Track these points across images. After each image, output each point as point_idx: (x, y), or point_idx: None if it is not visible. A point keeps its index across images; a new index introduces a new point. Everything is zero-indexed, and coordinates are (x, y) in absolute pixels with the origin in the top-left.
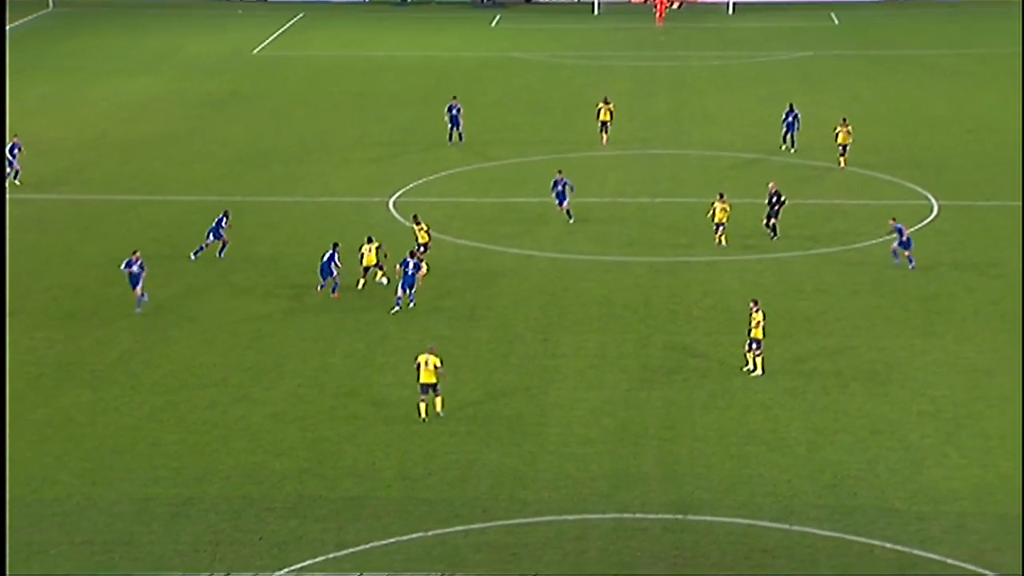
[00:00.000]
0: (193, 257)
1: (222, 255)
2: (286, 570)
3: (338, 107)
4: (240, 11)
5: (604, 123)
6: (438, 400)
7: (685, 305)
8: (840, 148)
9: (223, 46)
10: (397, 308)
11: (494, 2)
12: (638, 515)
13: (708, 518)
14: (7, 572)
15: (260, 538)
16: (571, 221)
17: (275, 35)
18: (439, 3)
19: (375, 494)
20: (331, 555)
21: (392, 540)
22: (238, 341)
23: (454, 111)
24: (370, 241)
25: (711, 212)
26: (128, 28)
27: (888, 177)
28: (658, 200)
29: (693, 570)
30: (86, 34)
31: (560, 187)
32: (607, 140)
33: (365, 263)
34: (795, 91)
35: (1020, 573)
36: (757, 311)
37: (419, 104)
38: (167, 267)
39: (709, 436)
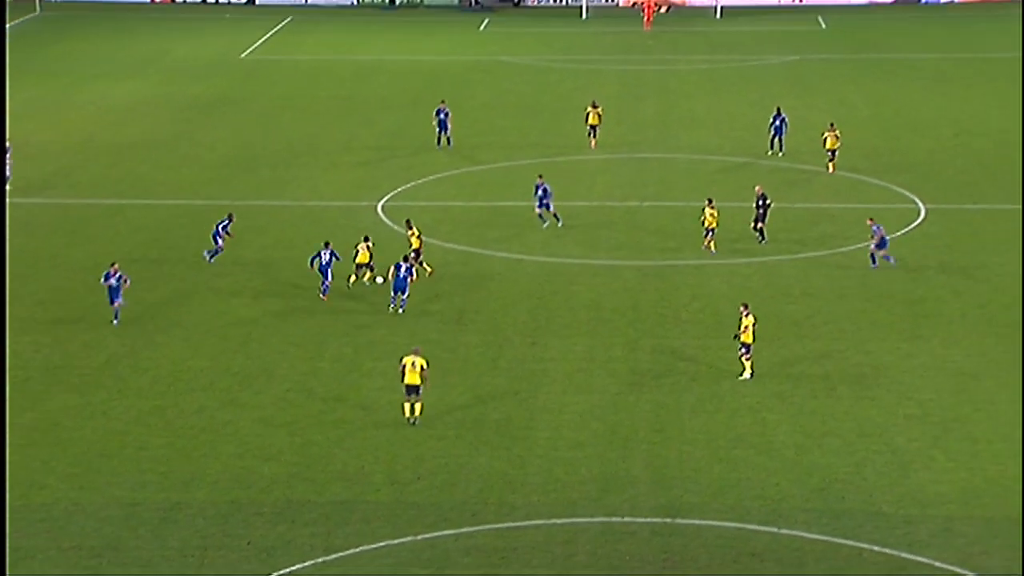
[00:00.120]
0: (210, 260)
1: (211, 259)
2: (275, 575)
3: (326, 111)
4: (228, 15)
5: (593, 127)
6: (417, 406)
7: (673, 309)
8: (828, 153)
9: (211, 50)
10: (392, 306)
11: (482, 6)
12: (627, 519)
13: (697, 522)
14: (7, 572)
15: (248, 543)
16: (560, 224)
17: (263, 39)
18: (427, 7)
19: (364, 498)
20: (320, 560)
21: (381, 544)
22: (226, 345)
23: (442, 115)
24: (366, 240)
25: (703, 217)
26: (115, 32)
27: (875, 181)
28: (646, 204)
29: (682, 573)
30: (73, 38)
31: (540, 192)
32: (595, 144)
33: (359, 260)
34: (783, 95)
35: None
36: (748, 315)
37: (407, 108)
38: (154, 271)
39: (698, 440)
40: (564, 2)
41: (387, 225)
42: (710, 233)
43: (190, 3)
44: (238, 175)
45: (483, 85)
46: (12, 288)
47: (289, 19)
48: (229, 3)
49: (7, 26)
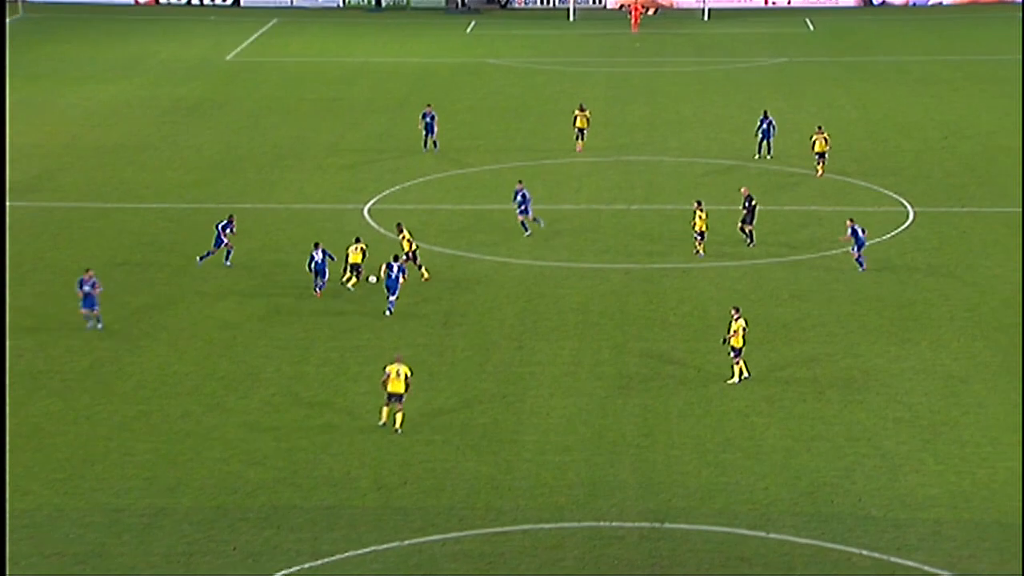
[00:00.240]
0: (228, 264)
1: (201, 262)
2: None
3: (312, 113)
4: (213, 17)
5: (580, 130)
6: (399, 415)
7: (661, 312)
8: (817, 156)
9: (196, 52)
10: (390, 311)
11: (469, 8)
12: (615, 523)
13: (685, 526)
14: (7, 572)
15: (234, 549)
16: (542, 226)
17: (249, 41)
18: (413, 9)
19: (350, 504)
20: (306, 565)
21: (368, 550)
22: (211, 349)
23: (428, 118)
24: (357, 241)
25: (693, 221)
26: (99, 34)
27: (863, 183)
28: (634, 207)
29: None
30: (56, 40)
31: (519, 197)
32: (583, 147)
33: (351, 260)
34: (770, 97)
35: None
36: (738, 319)
37: (394, 110)
38: (139, 275)
39: (686, 444)
40: (551, 4)
41: (374, 228)
42: (700, 236)
43: (175, 5)
44: (223, 178)
45: (470, 87)
46: None
47: (275, 21)
48: (214, 5)
49: (7, 26)
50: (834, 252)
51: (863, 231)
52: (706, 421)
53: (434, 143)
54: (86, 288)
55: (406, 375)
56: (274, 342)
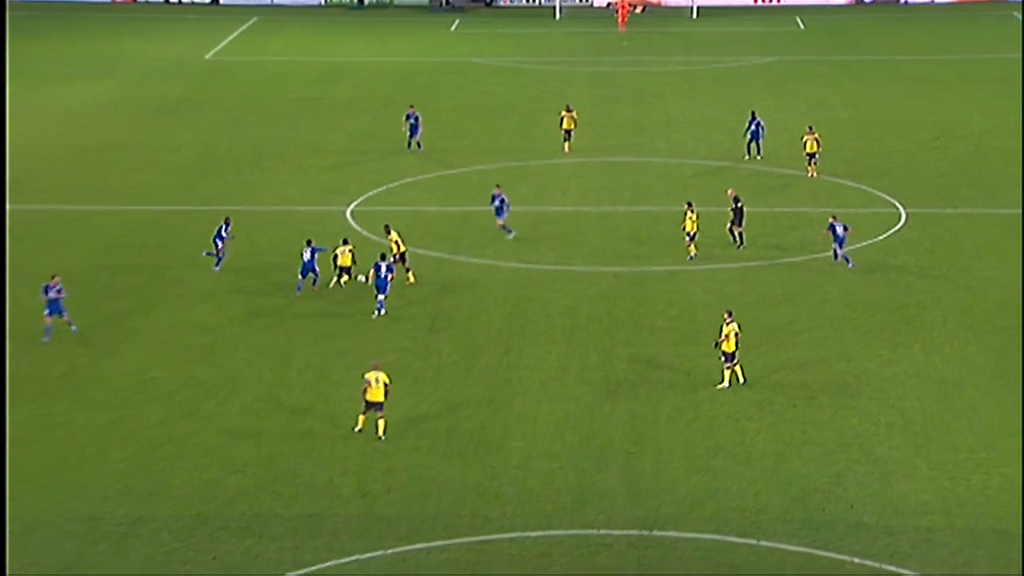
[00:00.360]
0: (217, 268)
1: (208, 258)
2: None
3: (293, 113)
4: (191, 15)
5: (567, 131)
6: (381, 422)
7: (650, 316)
8: (808, 157)
9: (174, 51)
10: (378, 312)
11: (453, 6)
12: (603, 531)
13: (674, 534)
14: (7, 572)
15: (213, 558)
16: (510, 236)
17: (228, 39)
18: (396, 7)
19: (333, 512)
20: (288, 575)
21: (351, 559)
22: (190, 355)
23: (412, 119)
24: (345, 243)
25: (684, 223)
26: (75, 33)
27: (855, 184)
28: (621, 209)
29: None
30: (31, 39)
31: (497, 202)
32: (570, 148)
33: (340, 263)
34: (760, 97)
35: None
36: (730, 323)
37: (377, 110)
38: (116, 279)
39: (675, 450)
40: (537, 2)
41: (356, 231)
42: (690, 238)
43: (152, 3)
44: (203, 179)
45: (454, 87)
46: None
47: (255, 19)
48: (193, 3)
49: (6, 25)
50: (825, 254)
51: (844, 229)
52: (695, 426)
53: (418, 144)
54: (51, 294)
55: (385, 383)
56: (254, 346)
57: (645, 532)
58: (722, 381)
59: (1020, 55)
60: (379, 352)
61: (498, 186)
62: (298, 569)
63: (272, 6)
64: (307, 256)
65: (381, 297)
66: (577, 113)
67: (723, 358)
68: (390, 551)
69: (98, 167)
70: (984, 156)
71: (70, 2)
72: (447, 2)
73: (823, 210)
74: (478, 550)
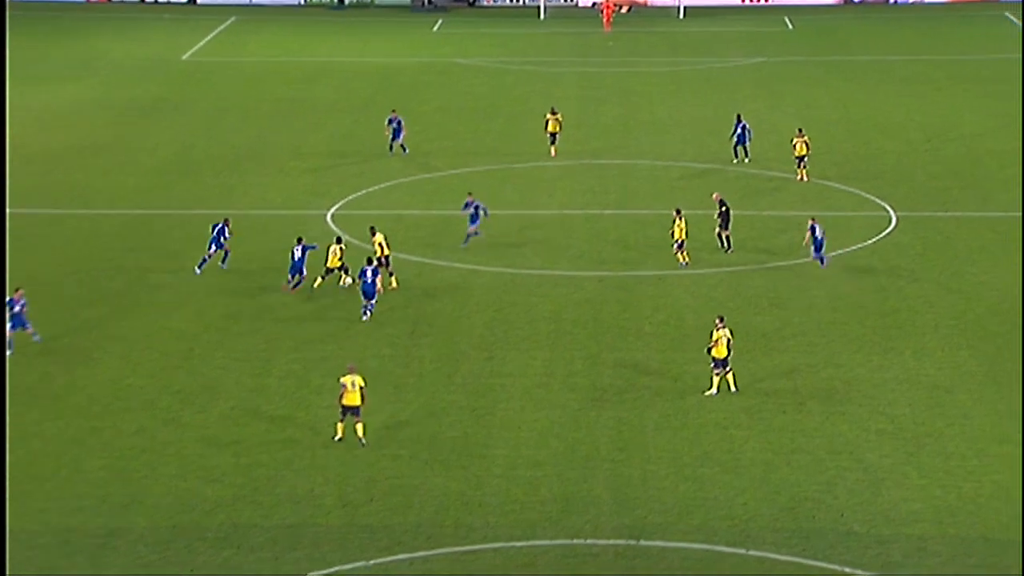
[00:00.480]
0: (198, 270)
1: (225, 264)
2: None
3: (273, 115)
4: (167, 15)
5: (553, 134)
6: (359, 425)
7: (636, 321)
8: (797, 160)
9: (150, 51)
10: (365, 316)
11: (436, 5)
12: (589, 541)
13: (661, 543)
14: (7, 572)
15: (191, 570)
16: (463, 246)
17: (206, 39)
18: (377, 6)
19: (314, 522)
20: None
21: (332, 570)
22: (167, 361)
23: (395, 124)
24: (338, 242)
25: (672, 229)
26: (48, 33)
27: (844, 187)
28: (608, 212)
29: None
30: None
31: (473, 209)
32: (556, 152)
33: (329, 264)
34: (748, 98)
35: None
36: (721, 328)
37: (358, 112)
38: (91, 284)
39: (662, 458)
40: (521, 2)
41: (337, 235)
42: (680, 245)
43: (127, 2)
44: (180, 182)
45: (437, 88)
46: None
47: (232, 19)
48: (169, 2)
49: (6, 26)
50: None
51: (822, 233)
52: (683, 434)
53: (403, 147)
54: (16, 308)
55: (361, 386)
56: (233, 353)
57: (632, 542)
58: (710, 387)
59: (1012, 55)
60: (360, 358)
61: (470, 193)
62: None
63: (250, 6)
64: (298, 254)
65: (372, 302)
66: (562, 115)
67: (713, 364)
68: (372, 562)
69: (72, 170)
70: (976, 158)
71: (43, 1)
72: (429, 2)
73: (812, 213)
74: (461, 561)
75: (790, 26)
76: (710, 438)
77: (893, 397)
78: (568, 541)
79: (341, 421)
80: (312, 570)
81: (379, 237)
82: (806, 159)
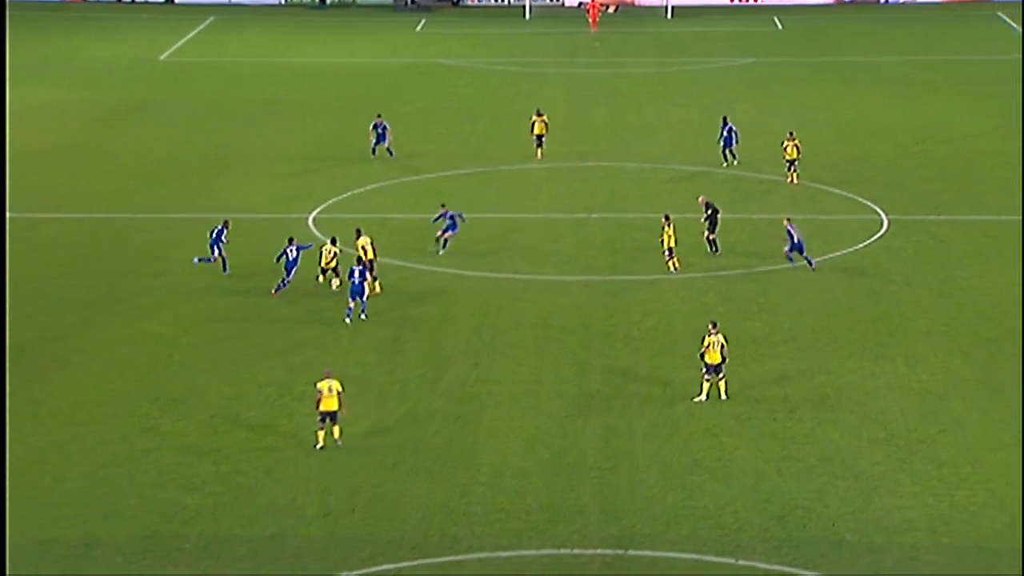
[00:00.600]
0: (226, 272)
1: (226, 271)
2: None
3: (254, 116)
4: (145, 15)
5: (539, 136)
6: (336, 428)
7: (625, 327)
8: (788, 163)
9: (127, 51)
10: (349, 317)
11: (419, 5)
12: (576, 551)
13: (650, 553)
14: (7, 572)
15: None
16: (440, 253)
17: (184, 40)
18: (360, 6)
19: (295, 532)
20: None
21: None
22: (146, 368)
23: (380, 129)
24: (333, 243)
25: (662, 236)
26: (23, 32)
27: (835, 190)
28: (595, 216)
29: None
30: None
31: (449, 219)
32: (542, 154)
33: (323, 264)
34: (738, 99)
35: None
36: (714, 334)
37: (340, 113)
38: (70, 289)
39: (651, 466)
40: (506, 2)
41: (319, 238)
42: (670, 252)
43: (104, 2)
44: (159, 185)
45: (420, 89)
46: None
47: (211, 19)
48: (147, 2)
49: (7, 26)
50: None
51: (799, 234)
52: (672, 442)
53: (388, 151)
54: None
55: (338, 391)
56: (213, 359)
57: (620, 551)
58: (700, 394)
59: (1005, 56)
60: (343, 364)
61: (443, 205)
62: None
63: (230, 5)
64: (292, 254)
65: (363, 303)
66: (548, 117)
67: (705, 370)
68: (355, 573)
69: (48, 172)
70: (969, 160)
71: (17, 1)
72: (412, 1)
73: (803, 217)
74: (446, 571)
75: (780, 26)
76: (699, 446)
77: (885, 404)
78: (555, 551)
79: (321, 428)
80: None
81: (364, 240)
82: (797, 163)
